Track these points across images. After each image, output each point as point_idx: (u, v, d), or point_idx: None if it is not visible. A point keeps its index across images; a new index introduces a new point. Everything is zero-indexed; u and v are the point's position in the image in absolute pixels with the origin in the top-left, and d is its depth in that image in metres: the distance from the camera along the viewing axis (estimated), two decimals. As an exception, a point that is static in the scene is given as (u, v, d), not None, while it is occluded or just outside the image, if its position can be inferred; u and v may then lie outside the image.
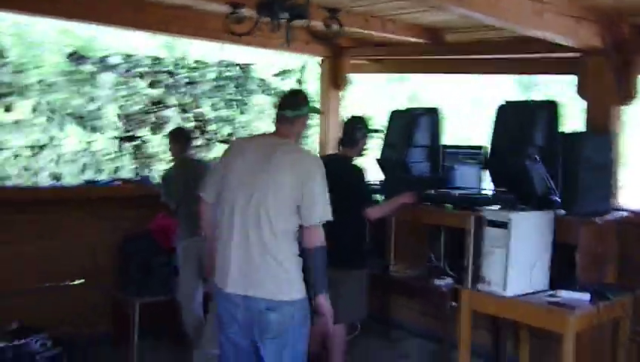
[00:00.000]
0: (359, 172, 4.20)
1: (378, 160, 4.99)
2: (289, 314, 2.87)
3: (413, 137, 4.85)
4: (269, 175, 2.87)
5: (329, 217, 2.97)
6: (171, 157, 4.94)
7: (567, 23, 3.72)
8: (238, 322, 2.91)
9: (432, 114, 4.95)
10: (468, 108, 12.04)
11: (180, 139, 4.83)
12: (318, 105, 6.06)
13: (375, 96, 10.34)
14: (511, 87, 13.43)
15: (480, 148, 4.67)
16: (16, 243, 4.66)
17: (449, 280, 4.11)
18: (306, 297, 2.97)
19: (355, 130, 4.28)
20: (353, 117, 4.45)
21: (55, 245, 4.84)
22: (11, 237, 4.64)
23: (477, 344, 4.68)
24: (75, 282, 4.99)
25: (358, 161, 4.35)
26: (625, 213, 4.00)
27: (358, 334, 5.06)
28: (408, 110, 5.10)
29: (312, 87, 8.45)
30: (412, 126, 4.87)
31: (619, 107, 4.16)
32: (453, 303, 3.99)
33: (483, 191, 4.51)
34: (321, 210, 2.93)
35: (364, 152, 4.34)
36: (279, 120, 3.09)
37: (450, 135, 5.45)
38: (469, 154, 4.76)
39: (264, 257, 2.84)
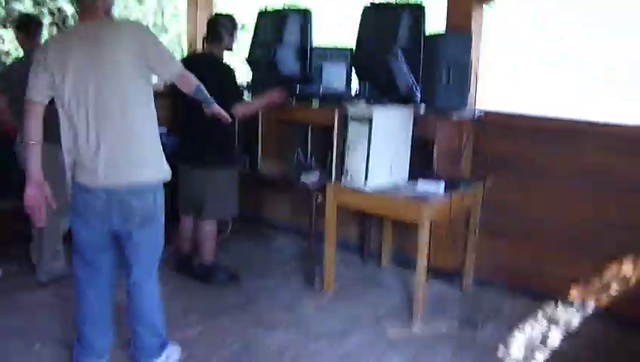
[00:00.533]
0: (227, 69, 4.15)
1: (247, 60, 4.94)
2: (151, 198, 2.86)
3: (282, 37, 4.81)
4: (103, 57, 2.72)
5: (183, 70, 2.93)
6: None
7: None
8: (97, 213, 2.84)
9: (302, 14, 4.91)
10: (346, 11, 12.03)
11: (24, 27, 4.39)
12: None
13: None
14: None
15: (348, 48, 4.71)
16: None
17: (315, 176, 4.22)
18: (166, 179, 2.94)
19: (219, 26, 4.21)
20: (217, 14, 4.36)
21: None
22: None
23: (346, 237, 4.93)
24: None
25: (226, 59, 4.29)
26: (481, 111, 4.23)
27: (230, 232, 5.15)
28: (278, 10, 5.00)
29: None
30: (281, 25, 4.83)
31: (479, 7, 4.32)
32: (320, 198, 4.12)
33: (350, 90, 4.59)
34: (177, 62, 2.92)
35: (230, 49, 4.28)
36: (80, 5, 2.89)
37: (325, 38, 5.43)
38: (338, 54, 4.81)
39: (122, 143, 2.76)
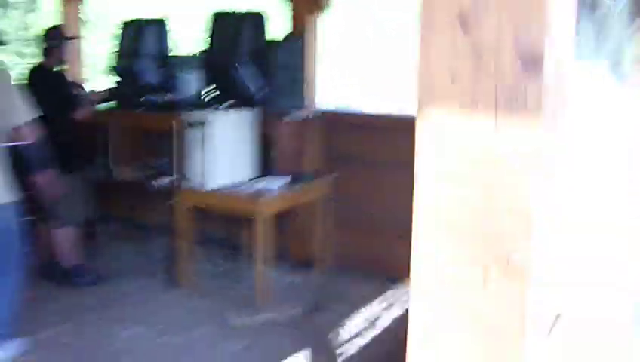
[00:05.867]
0: (57, 77, 4.37)
1: (112, 68, 5.11)
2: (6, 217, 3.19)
3: (142, 47, 5.00)
4: None
5: (32, 116, 3.27)
6: None
7: None
8: None
9: (158, 24, 5.12)
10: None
11: None
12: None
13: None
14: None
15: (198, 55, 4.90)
16: None
17: (165, 180, 4.43)
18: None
19: (48, 39, 4.41)
20: (48, 27, 4.53)
21: None
22: None
23: (214, 234, 5.15)
24: None
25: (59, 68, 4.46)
26: (317, 111, 4.53)
27: (101, 234, 5.31)
28: (136, 20, 5.16)
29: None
30: (140, 36, 5.01)
31: (315, 14, 4.62)
32: (171, 201, 4.33)
33: (203, 95, 4.78)
34: (24, 112, 3.23)
35: (63, 61, 4.45)
36: None
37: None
38: (192, 61, 5.01)
39: None
